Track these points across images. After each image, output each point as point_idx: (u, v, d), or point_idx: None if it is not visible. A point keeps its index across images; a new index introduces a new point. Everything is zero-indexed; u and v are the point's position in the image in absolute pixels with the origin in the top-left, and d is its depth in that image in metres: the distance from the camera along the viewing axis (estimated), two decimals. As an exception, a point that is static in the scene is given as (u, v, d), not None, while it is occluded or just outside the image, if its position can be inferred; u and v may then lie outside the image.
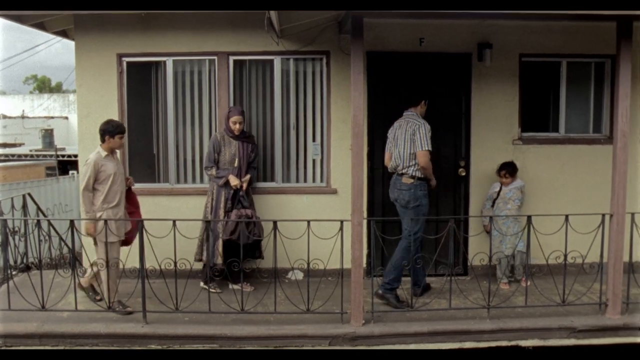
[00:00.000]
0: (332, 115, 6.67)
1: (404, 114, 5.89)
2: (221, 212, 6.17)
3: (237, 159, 6.20)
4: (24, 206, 7.00)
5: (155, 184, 6.88)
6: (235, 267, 5.46)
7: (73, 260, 5.57)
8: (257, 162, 6.58)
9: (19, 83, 59.81)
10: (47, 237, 6.77)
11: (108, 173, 5.62)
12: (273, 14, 5.47)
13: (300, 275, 6.46)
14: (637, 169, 6.93)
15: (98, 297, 5.87)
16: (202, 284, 6.23)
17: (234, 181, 6.16)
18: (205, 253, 6.18)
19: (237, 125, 6.19)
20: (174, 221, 5.22)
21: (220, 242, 6.12)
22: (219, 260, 6.10)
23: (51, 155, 21.80)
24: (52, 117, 32.11)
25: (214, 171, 6.25)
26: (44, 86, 58.86)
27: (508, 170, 6.48)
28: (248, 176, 6.30)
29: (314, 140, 6.81)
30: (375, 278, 5.83)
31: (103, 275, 5.57)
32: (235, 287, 5.97)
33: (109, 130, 5.66)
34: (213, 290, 5.97)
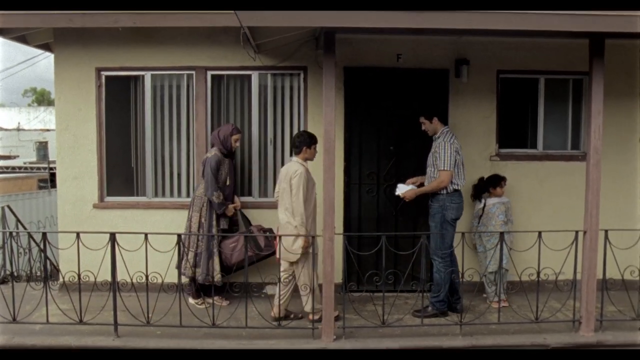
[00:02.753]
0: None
1: (448, 130, 5.93)
2: (214, 230, 6.05)
3: (229, 178, 6.18)
4: (3, 218, 7.01)
5: (133, 197, 6.86)
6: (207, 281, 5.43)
7: (46, 273, 5.54)
8: None
9: (18, 95, 60.05)
10: (26, 250, 6.76)
11: (311, 184, 5.56)
12: (247, 29, 5.50)
13: (276, 290, 6.40)
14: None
15: (298, 315, 5.81)
16: (191, 300, 6.14)
17: (230, 212, 6.15)
18: (200, 268, 6.05)
19: (238, 143, 6.22)
20: (146, 234, 5.21)
21: (216, 260, 6.04)
22: (218, 277, 6.03)
23: (44, 168, 21.80)
24: (48, 130, 32.08)
25: (221, 196, 5.97)
26: (42, 99, 59.02)
27: (491, 183, 6.45)
28: (237, 199, 6.37)
29: (291, 155, 6.77)
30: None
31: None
32: (209, 300, 5.96)
33: (306, 141, 5.61)
34: (201, 306, 6.07)
